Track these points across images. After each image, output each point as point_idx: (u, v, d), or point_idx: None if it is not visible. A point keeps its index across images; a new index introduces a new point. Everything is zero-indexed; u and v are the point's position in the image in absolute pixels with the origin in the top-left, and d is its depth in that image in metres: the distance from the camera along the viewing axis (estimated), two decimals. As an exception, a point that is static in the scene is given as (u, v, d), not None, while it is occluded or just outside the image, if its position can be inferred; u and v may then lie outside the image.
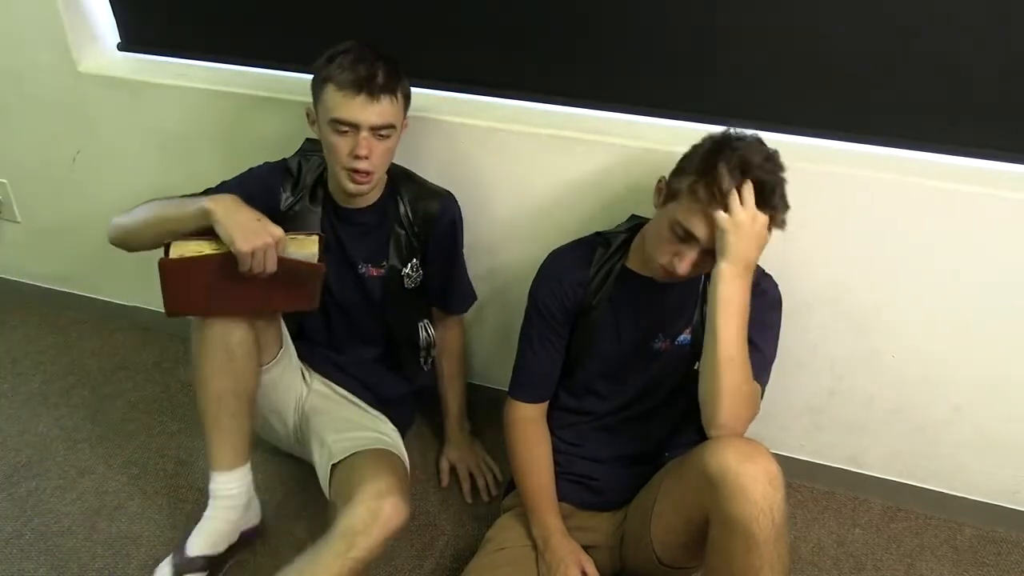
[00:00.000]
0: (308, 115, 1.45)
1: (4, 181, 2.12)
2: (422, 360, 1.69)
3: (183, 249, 1.30)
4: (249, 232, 1.27)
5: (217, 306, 1.38)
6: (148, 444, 1.87)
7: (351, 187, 1.42)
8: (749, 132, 1.23)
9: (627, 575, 1.44)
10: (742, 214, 1.16)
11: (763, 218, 1.18)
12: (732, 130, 1.23)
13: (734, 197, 1.16)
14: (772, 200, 1.19)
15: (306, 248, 1.35)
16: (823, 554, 1.64)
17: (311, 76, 1.42)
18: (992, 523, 1.69)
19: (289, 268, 1.33)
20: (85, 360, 2.13)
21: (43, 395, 2.02)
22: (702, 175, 1.19)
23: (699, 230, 1.19)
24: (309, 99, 1.44)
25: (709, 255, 1.21)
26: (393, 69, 1.37)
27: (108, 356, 2.14)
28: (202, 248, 1.30)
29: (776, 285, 1.38)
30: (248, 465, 1.48)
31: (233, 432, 1.44)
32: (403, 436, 1.74)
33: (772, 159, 1.20)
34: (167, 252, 1.31)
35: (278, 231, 1.30)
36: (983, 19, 1.30)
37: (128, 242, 1.41)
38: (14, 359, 2.14)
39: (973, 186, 1.38)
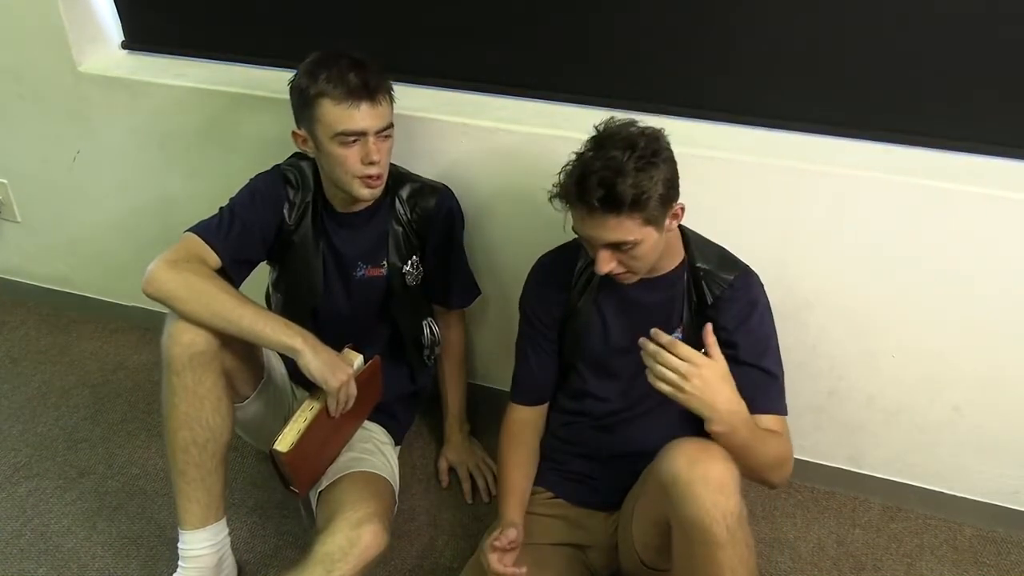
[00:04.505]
0: (296, 137, 1.43)
1: (4, 181, 2.12)
2: (426, 357, 1.69)
3: (287, 433, 1.34)
4: (335, 368, 1.34)
5: (331, 454, 1.50)
6: (148, 444, 1.87)
7: (367, 193, 1.43)
8: (625, 124, 1.22)
9: (622, 575, 1.44)
10: (693, 372, 1.12)
11: (717, 362, 1.14)
12: (604, 126, 1.23)
13: (677, 363, 1.12)
14: (647, 208, 1.17)
15: (348, 359, 1.40)
16: (823, 554, 1.64)
17: (292, 97, 1.41)
18: (992, 523, 1.69)
19: (361, 385, 1.40)
20: (85, 360, 2.13)
21: (43, 395, 2.02)
22: (569, 196, 1.21)
23: (584, 235, 1.22)
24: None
25: (620, 250, 1.21)
26: (375, 68, 1.38)
27: (108, 356, 2.15)
28: (296, 422, 1.35)
29: (761, 284, 1.37)
30: (221, 523, 1.43)
31: (201, 487, 1.39)
32: (403, 436, 1.75)
33: (643, 158, 1.17)
34: (273, 440, 1.34)
35: (351, 360, 1.39)
36: (983, 14, 1.30)
37: (176, 310, 1.33)
38: (14, 359, 2.14)
39: (973, 186, 1.37)
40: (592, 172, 1.16)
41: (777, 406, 1.33)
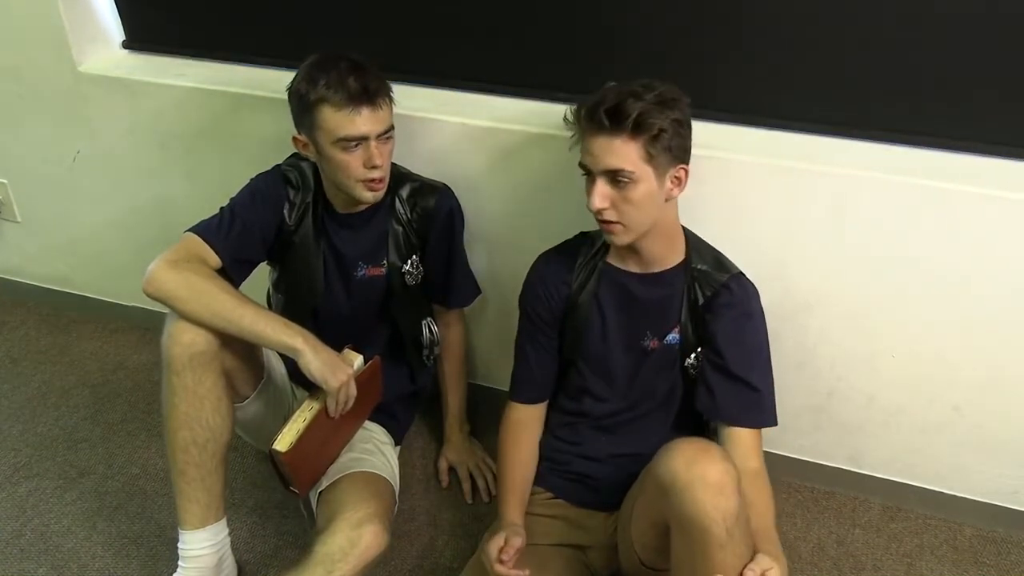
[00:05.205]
0: (297, 142, 1.43)
1: (4, 181, 2.12)
2: (425, 357, 1.69)
3: (286, 433, 1.33)
4: (336, 368, 1.34)
5: (331, 455, 1.49)
6: (148, 444, 1.87)
7: (370, 196, 1.43)
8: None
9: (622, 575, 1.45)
10: None
11: (776, 571, 1.12)
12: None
13: None
14: (650, 135, 1.19)
15: (348, 359, 1.40)
16: (823, 554, 1.64)
17: (292, 102, 1.41)
18: (992, 523, 1.69)
19: (361, 385, 1.40)
20: (85, 360, 2.13)
21: (43, 395, 2.02)
22: (580, 116, 1.25)
23: (586, 160, 1.24)
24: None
25: (617, 183, 1.22)
26: (374, 72, 1.38)
27: (108, 356, 2.15)
28: (296, 422, 1.35)
29: (756, 292, 1.37)
30: (221, 523, 1.43)
31: (201, 487, 1.38)
32: (403, 436, 1.75)
33: (660, 97, 1.21)
34: (273, 440, 1.33)
35: (351, 360, 1.38)
36: (983, 14, 1.30)
37: (176, 310, 1.33)
38: (14, 359, 2.14)
39: (973, 186, 1.37)
40: (609, 92, 1.21)
41: (758, 420, 1.35)
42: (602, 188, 1.23)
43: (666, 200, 1.27)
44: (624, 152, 1.20)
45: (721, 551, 1.09)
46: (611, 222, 1.26)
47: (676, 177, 1.26)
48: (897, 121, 1.43)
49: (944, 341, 1.52)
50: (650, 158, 1.20)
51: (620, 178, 1.21)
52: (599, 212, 1.25)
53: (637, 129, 1.18)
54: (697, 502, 1.09)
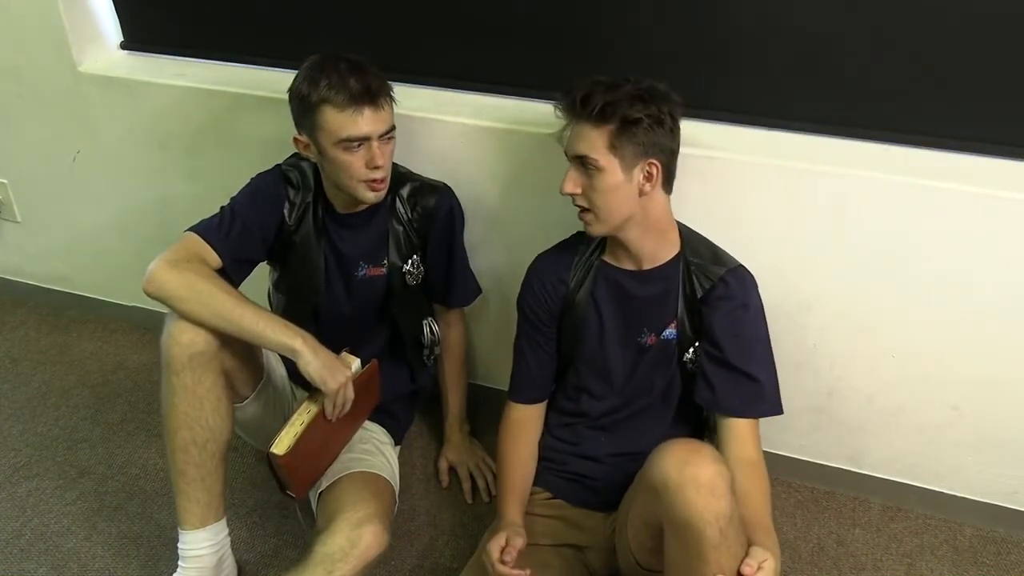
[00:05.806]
0: (298, 143, 1.43)
1: (4, 181, 2.12)
2: (425, 357, 1.69)
3: (283, 436, 1.33)
4: (334, 370, 1.34)
5: (328, 458, 1.49)
6: (148, 444, 1.87)
7: (372, 197, 1.43)
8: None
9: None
10: None
11: (771, 562, 1.12)
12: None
13: None
14: (614, 124, 1.21)
15: (346, 362, 1.40)
16: (823, 554, 1.64)
17: (293, 103, 1.41)
18: (992, 523, 1.69)
19: (359, 388, 1.40)
20: (85, 360, 2.13)
21: (43, 395, 2.02)
22: (563, 95, 1.28)
23: (565, 141, 1.29)
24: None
25: (586, 169, 1.25)
26: (374, 72, 1.38)
27: (108, 356, 2.15)
28: (293, 426, 1.34)
29: (755, 283, 1.37)
30: (221, 523, 1.44)
31: (201, 487, 1.39)
32: (403, 436, 1.75)
33: (640, 90, 1.23)
34: (270, 444, 1.33)
35: (349, 363, 1.38)
36: (983, 14, 1.30)
37: (176, 309, 1.32)
38: (14, 359, 2.14)
39: (972, 186, 1.37)
40: (589, 81, 1.24)
41: (760, 410, 1.35)
42: (572, 173, 1.27)
43: (640, 195, 1.27)
44: (590, 139, 1.23)
45: (715, 552, 1.09)
46: (583, 209, 1.30)
47: (647, 172, 1.25)
48: (897, 121, 1.44)
49: (944, 341, 1.52)
50: (614, 148, 1.22)
51: (587, 165, 1.25)
52: (571, 198, 1.29)
53: (601, 117, 1.21)
54: (689, 504, 1.08)
